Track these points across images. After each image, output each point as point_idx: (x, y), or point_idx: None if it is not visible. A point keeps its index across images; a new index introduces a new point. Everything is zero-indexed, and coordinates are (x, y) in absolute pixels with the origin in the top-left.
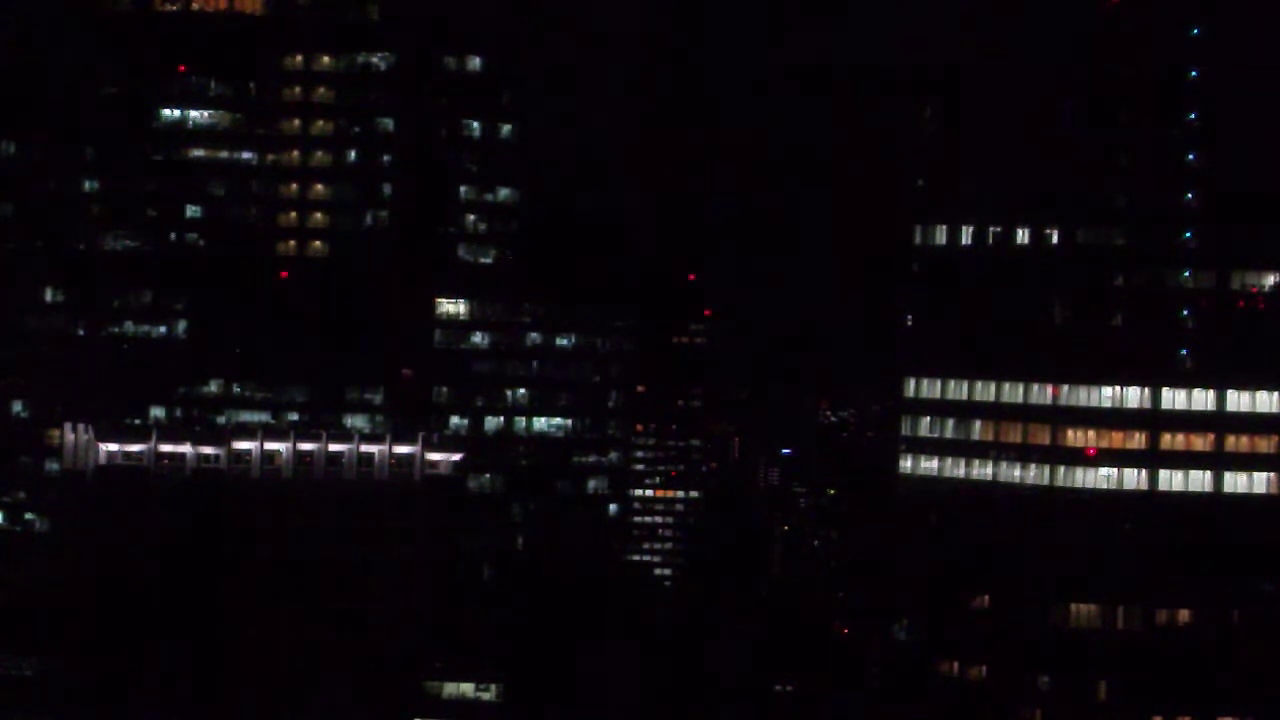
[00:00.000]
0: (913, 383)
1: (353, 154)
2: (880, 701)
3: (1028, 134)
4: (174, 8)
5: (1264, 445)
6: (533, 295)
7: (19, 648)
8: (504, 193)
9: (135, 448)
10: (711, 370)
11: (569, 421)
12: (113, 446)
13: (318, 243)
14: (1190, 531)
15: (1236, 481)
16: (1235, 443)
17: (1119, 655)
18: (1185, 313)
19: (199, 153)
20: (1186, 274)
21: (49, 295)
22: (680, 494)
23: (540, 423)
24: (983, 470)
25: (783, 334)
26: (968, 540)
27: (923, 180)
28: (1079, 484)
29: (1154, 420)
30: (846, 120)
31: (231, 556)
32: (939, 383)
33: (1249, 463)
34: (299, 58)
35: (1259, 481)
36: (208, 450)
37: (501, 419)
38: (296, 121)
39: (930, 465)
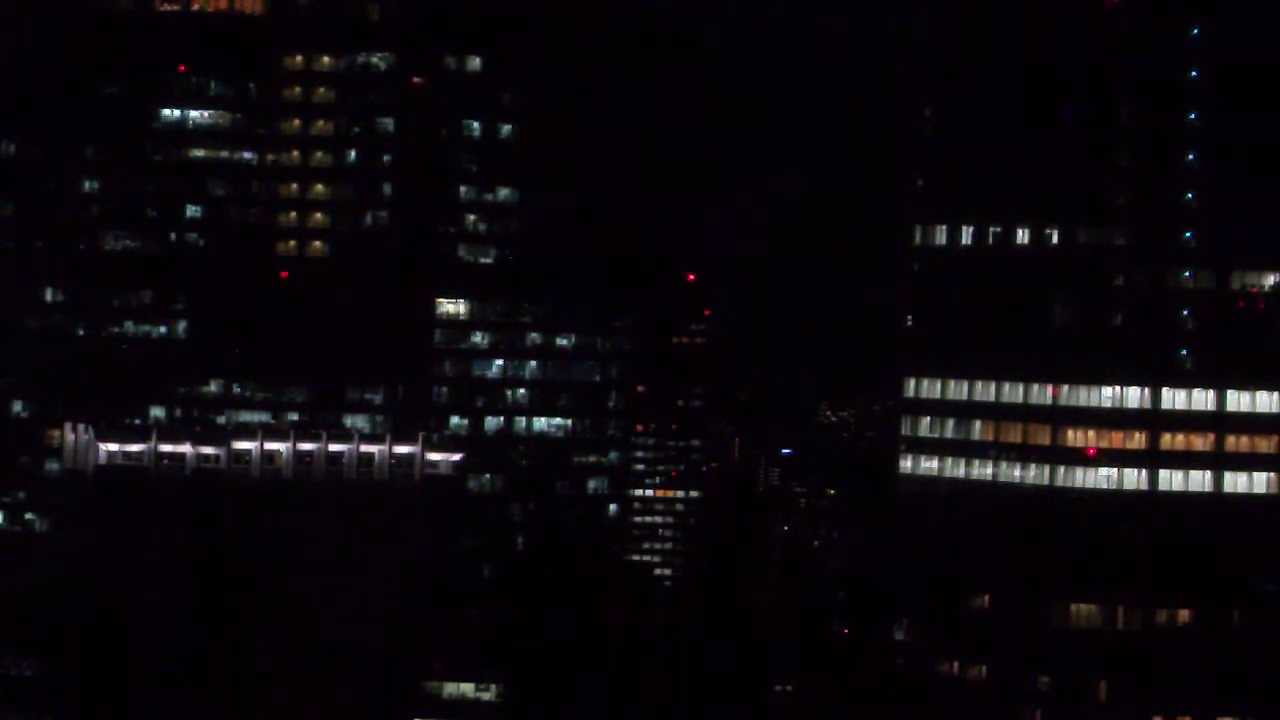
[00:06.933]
0: (913, 383)
1: (353, 154)
2: (880, 701)
3: (1028, 134)
4: (174, 8)
5: (1264, 445)
6: (533, 295)
7: (19, 648)
8: (504, 193)
9: (135, 448)
10: (711, 370)
11: (569, 421)
12: (113, 446)
13: (318, 243)
14: (1190, 531)
15: (1236, 481)
16: (1235, 443)
17: (1119, 655)
18: (1185, 313)
19: (199, 153)
20: (1186, 274)
21: (49, 295)
22: (680, 494)
23: (540, 423)
24: (983, 470)
25: (783, 334)
26: (968, 540)
27: (923, 180)
28: (1079, 484)
29: (1154, 420)
30: (847, 119)
31: (231, 556)
32: (939, 383)
33: (1249, 463)
34: (299, 58)
35: (1259, 481)
36: (208, 450)
37: (501, 419)
38: (296, 121)
39: (930, 465)
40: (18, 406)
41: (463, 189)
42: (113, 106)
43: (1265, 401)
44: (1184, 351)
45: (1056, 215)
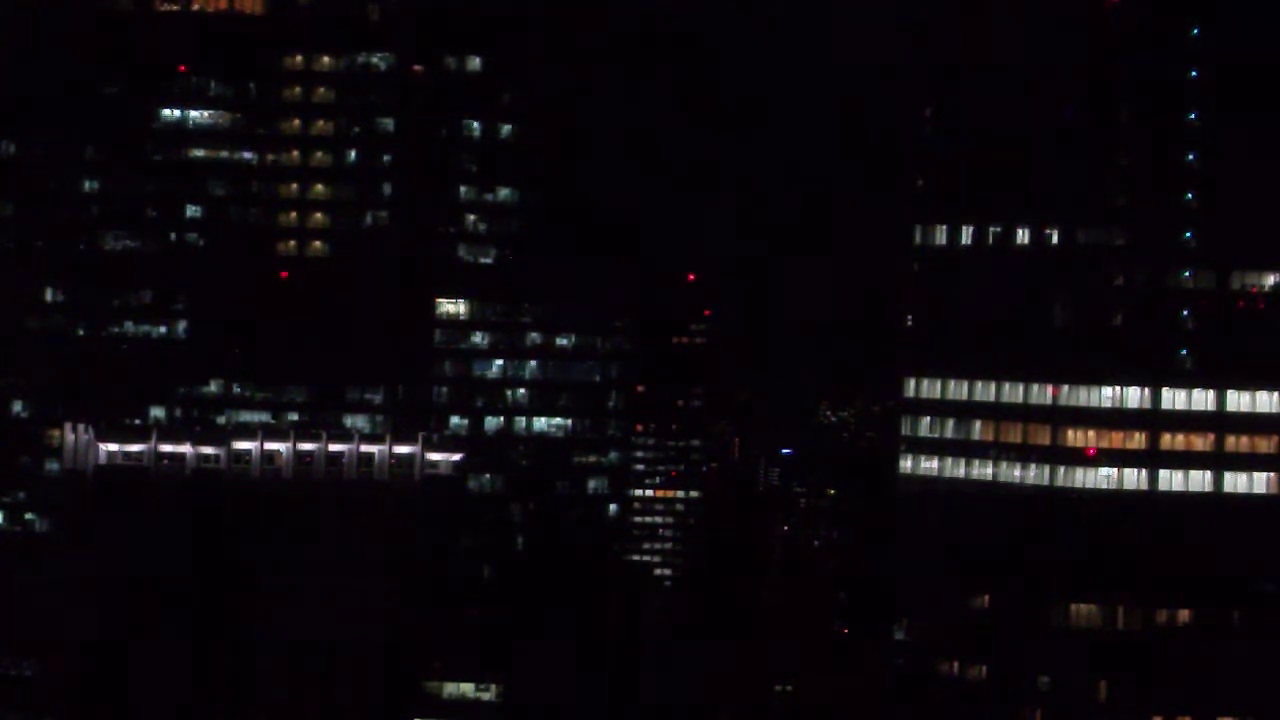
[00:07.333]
0: (913, 383)
1: (353, 154)
2: (880, 701)
3: (1028, 134)
4: (174, 8)
5: (1264, 445)
6: (533, 295)
7: (19, 648)
8: (504, 193)
9: (135, 448)
10: (711, 370)
11: (569, 421)
12: (113, 446)
13: (318, 243)
14: (1190, 531)
15: (1236, 481)
16: (1235, 443)
17: (1119, 655)
18: (1185, 313)
19: (199, 153)
20: (1186, 274)
21: (49, 295)
22: (680, 494)
23: (540, 423)
24: (983, 470)
25: (783, 334)
26: (968, 540)
27: (923, 180)
28: (1079, 484)
29: (1154, 420)
30: (847, 120)
31: (231, 556)
32: (939, 383)
33: (1249, 463)
34: (299, 58)
35: (1259, 481)
36: (208, 450)
37: (501, 419)
38: (296, 121)
39: (930, 465)
40: (18, 406)
41: (463, 189)
42: (113, 106)
43: (1265, 401)
44: (1184, 351)
45: (1056, 215)
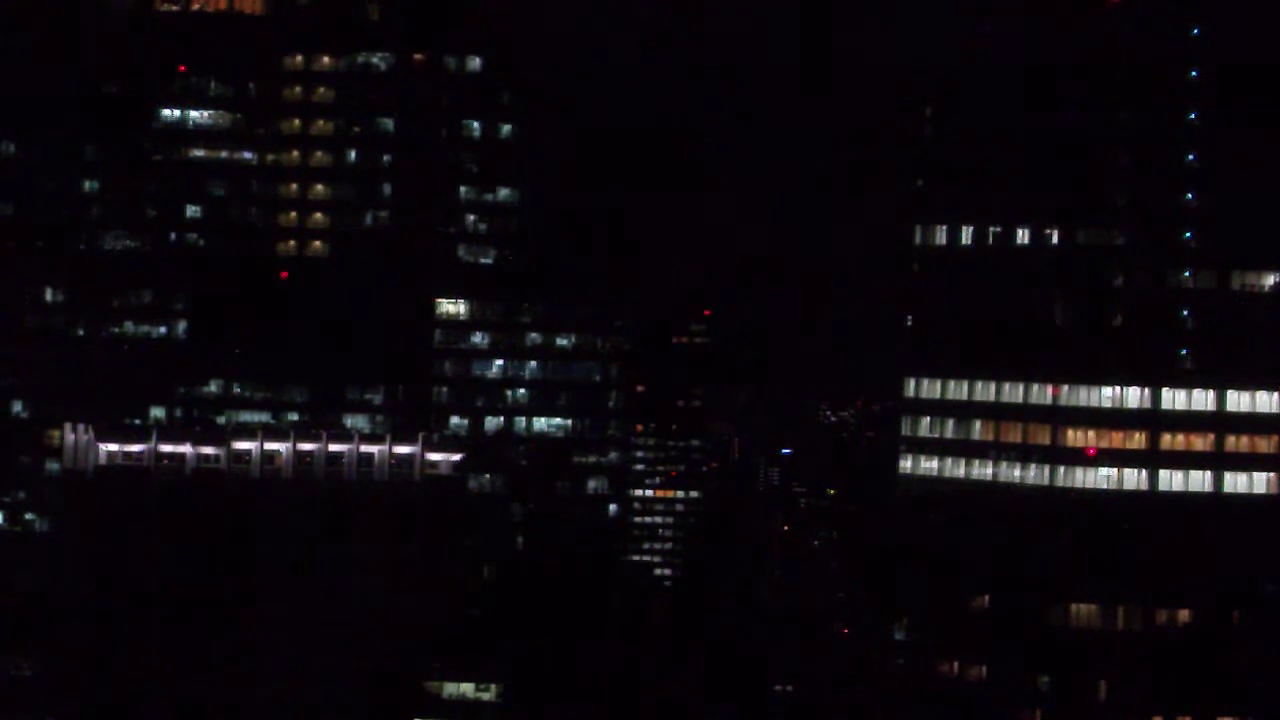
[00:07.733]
0: (913, 383)
1: (353, 154)
2: (880, 701)
3: (1027, 134)
4: (174, 8)
5: (1264, 445)
6: (533, 295)
7: (19, 648)
8: (504, 193)
9: (135, 448)
10: (711, 370)
11: (569, 421)
12: (113, 446)
13: (318, 243)
14: (1190, 531)
15: (1236, 481)
16: (1235, 443)
17: (1119, 655)
18: (1185, 313)
19: (199, 153)
20: (1186, 274)
21: (49, 295)
22: (680, 494)
23: (540, 423)
24: (983, 470)
25: (783, 334)
26: (968, 540)
27: (923, 180)
28: (1079, 484)
29: (1154, 420)
30: (847, 120)
31: (231, 556)
32: (939, 383)
33: (1249, 463)
34: (299, 58)
35: (1259, 481)
36: (208, 450)
37: (501, 419)
38: (296, 121)
39: (930, 465)
40: (18, 406)
41: (463, 189)
42: (113, 106)
43: (1265, 401)
44: (1184, 351)
45: (1056, 215)
